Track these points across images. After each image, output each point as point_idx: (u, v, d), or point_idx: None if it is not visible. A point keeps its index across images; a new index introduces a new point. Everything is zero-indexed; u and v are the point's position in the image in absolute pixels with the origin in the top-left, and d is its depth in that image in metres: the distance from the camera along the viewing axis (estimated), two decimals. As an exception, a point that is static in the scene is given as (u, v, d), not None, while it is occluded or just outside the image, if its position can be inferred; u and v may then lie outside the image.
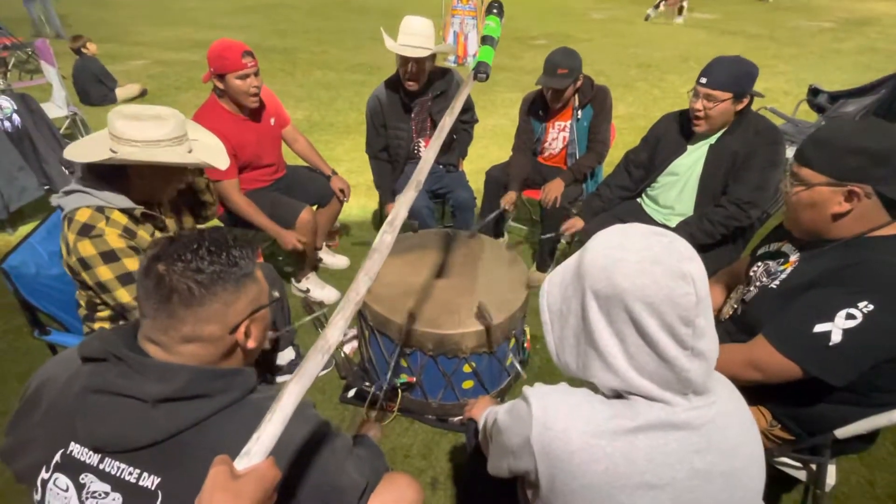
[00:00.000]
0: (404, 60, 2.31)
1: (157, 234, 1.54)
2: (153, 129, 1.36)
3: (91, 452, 0.74)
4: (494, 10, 1.55)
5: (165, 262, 0.77)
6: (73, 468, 0.75)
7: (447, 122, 1.28)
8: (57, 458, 0.76)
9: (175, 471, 0.72)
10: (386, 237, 0.97)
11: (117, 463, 0.73)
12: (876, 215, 1.11)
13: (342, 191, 2.56)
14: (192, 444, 0.73)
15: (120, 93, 5.49)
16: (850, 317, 1.05)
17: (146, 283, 0.77)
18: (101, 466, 0.74)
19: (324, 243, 2.80)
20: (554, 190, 2.47)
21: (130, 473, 0.73)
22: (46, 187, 3.28)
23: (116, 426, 0.73)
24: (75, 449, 0.75)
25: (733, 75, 1.79)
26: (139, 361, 0.76)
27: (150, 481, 0.72)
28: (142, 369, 0.75)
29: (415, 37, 2.26)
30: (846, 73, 6.92)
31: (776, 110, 3.95)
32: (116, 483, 0.73)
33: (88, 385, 0.76)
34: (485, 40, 1.49)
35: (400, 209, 1.04)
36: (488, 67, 1.39)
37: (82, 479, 0.74)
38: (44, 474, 0.76)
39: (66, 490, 0.75)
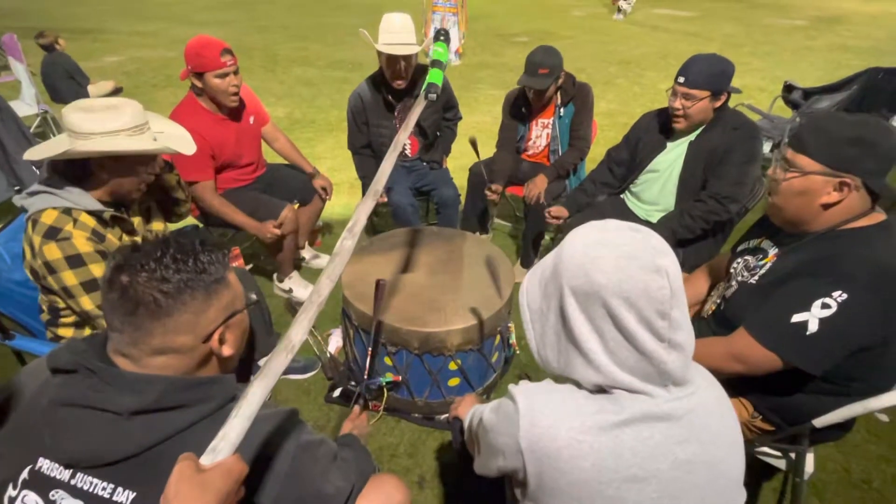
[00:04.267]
0: (392, 60, 2.28)
1: (126, 238, 1.49)
2: (110, 120, 1.31)
3: (61, 468, 0.71)
4: (441, 38, 1.68)
5: (128, 273, 0.74)
6: (42, 484, 0.71)
7: (402, 137, 1.32)
8: (24, 474, 0.72)
9: (151, 485, 0.69)
10: (346, 242, 0.97)
11: (90, 478, 0.70)
12: (857, 207, 1.13)
13: (324, 189, 2.53)
14: (170, 457, 0.70)
15: (92, 90, 5.32)
16: (825, 306, 1.07)
17: (110, 295, 0.74)
18: (72, 482, 0.71)
19: (306, 242, 2.77)
20: (537, 186, 2.48)
21: (104, 488, 0.70)
22: (17, 188, 3.17)
23: (89, 440, 0.70)
24: (44, 464, 0.72)
25: (710, 74, 1.81)
26: (111, 373, 0.73)
27: (124, 496, 0.70)
28: (114, 381, 0.72)
29: (399, 34, 2.25)
30: (819, 70, 7.10)
31: (753, 106, 4.04)
32: (89, 499, 0.70)
33: (58, 398, 0.73)
34: (434, 64, 1.61)
35: (360, 216, 1.05)
36: (438, 88, 1.55)
37: (52, 495, 0.71)
38: (11, 492, 0.73)
39: None
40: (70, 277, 1.32)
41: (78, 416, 0.71)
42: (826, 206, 1.14)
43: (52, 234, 1.31)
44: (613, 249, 0.71)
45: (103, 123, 1.30)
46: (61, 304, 1.43)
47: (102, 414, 0.71)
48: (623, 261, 0.70)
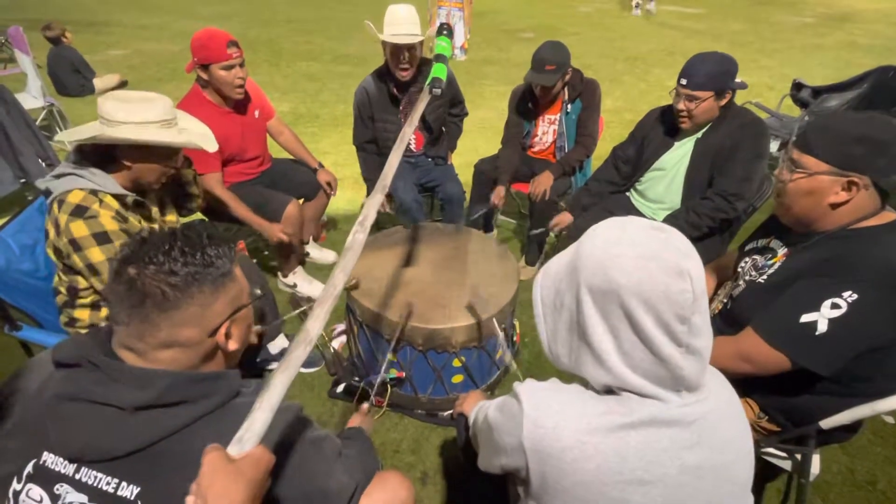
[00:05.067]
0: (397, 50, 2.27)
1: (144, 224, 1.53)
2: (143, 111, 1.38)
3: (66, 462, 0.71)
4: (445, 32, 1.69)
5: (136, 265, 0.74)
6: (46, 479, 0.72)
7: (408, 131, 1.34)
8: (29, 468, 0.72)
9: (156, 480, 0.70)
10: (358, 236, 1.00)
11: (94, 472, 0.70)
12: (867, 206, 1.12)
13: (329, 184, 2.53)
14: (174, 452, 0.70)
15: (98, 83, 5.34)
16: (835, 306, 1.06)
17: (117, 288, 0.74)
18: (77, 476, 0.71)
19: (310, 237, 2.77)
20: (543, 183, 2.47)
21: (108, 483, 0.70)
22: (22, 180, 3.18)
23: (93, 435, 0.70)
24: (49, 459, 0.72)
25: (712, 74, 1.79)
26: (116, 367, 0.73)
27: (129, 491, 0.70)
28: (119, 376, 0.72)
29: (403, 25, 2.24)
30: (828, 68, 7.03)
31: (761, 104, 4.00)
32: (94, 493, 0.70)
33: (62, 392, 0.72)
34: (437, 58, 1.62)
35: (369, 211, 1.07)
36: (442, 82, 1.56)
37: (57, 489, 0.71)
38: (15, 485, 0.73)
39: (41, 501, 0.72)
40: (97, 254, 1.37)
41: (82, 411, 0.71)
42: (835, 206, 1.12)
43: (80, 212, 1.35)
44: (634, 248, 0.69)
45: (136, 113, 1.37)
46: (83, 285, 1.46)
47: (106, 408, 0.71)
48: (644, 261, 0.68)
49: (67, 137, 1.45)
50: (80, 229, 1.34)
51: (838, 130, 1.10)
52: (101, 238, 1.36)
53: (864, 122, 1.09)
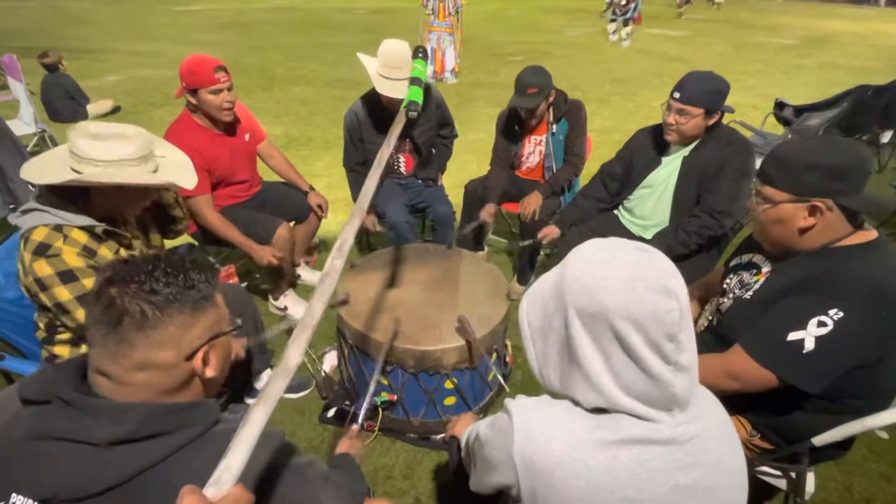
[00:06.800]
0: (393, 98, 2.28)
1: (122, 252, 1.49)
2: (117, 149, 1.31)
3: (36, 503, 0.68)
4: (420, 55, 1.69)
5: (118, 285, 0.73)
6: None
7: (384, 154, 1.33)
8: None
9: None
10: (336, 262, 0.98)
11: None
12: (840, 226, 1.14)
13: (320, 206, 2.53)
14: (154, 486, 0.68)
15: (91, 109, 5.38)
16: (821, 324, 1.07)
17: (96, 308, 0.73)
18: None
19: (301, 260, 2.77)
20: (532, 203, 2.49)
21: None
22: (12, 206, 3.16)
23: (66, 473, 0.68)
24: (17, 501, 0.68)
25: (705, 92, 1.83)
26: (88, 403, 0.70)
27: None
28: (91, 411, 0.70)
29: (399, 69, 2.24)
30: (810, 88, 7.21)
31: (745, 123, 4.09)
32: None
33: (31, 431, 0.70)
34: (413, 81, 1.60)
35: (347, 236, 1.05)
36: (418, 105, 1.55)
37: None
38: None
39: None
40: (63, 293, 1.32)
41: (53, 449, 0.69)
42: (805, 230, 1.15)
43: (42, 250, 1.31)
44: (619, 270, 0.69)
45: (110, 152, 1.31)
46: (58, 322, 1.42)
47: (79, 445, 0.68)
48: (630, 282, 0.68)
49: (40, 178, 1.32)
50: (43, 269, 1.30)
51: (792, 160, 1.14)
52: (66, 276, 1.31)
53: (816, 149, 1.13)
